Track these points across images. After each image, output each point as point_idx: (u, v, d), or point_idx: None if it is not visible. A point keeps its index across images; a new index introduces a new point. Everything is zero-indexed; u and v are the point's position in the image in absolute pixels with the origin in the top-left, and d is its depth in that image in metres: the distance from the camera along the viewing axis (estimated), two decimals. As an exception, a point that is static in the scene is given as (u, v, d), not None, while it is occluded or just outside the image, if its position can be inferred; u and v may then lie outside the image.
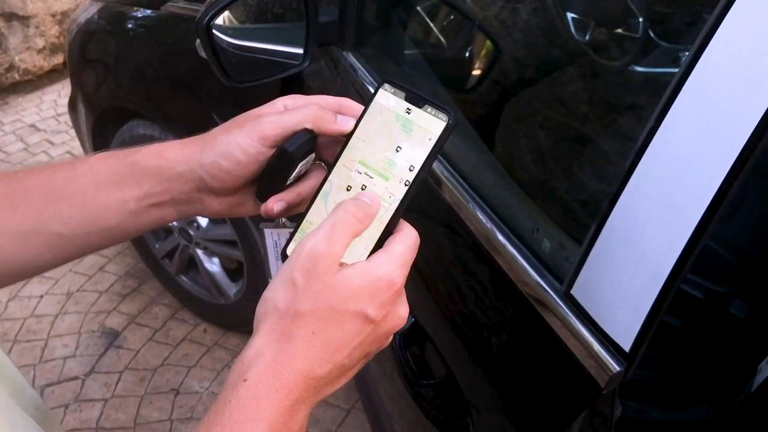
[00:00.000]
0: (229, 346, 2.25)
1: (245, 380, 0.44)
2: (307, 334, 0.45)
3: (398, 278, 0.47)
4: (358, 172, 0.52)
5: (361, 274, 0.47)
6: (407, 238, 0.49)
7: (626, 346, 0.59)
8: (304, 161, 0.55)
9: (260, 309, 0.48)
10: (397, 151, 0.52)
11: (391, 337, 0.51)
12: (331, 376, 0.47)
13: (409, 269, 0.49)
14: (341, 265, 0.47)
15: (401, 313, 0.50)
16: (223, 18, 1.12)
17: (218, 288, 2.16)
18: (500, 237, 0.78)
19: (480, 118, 1.23)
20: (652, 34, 1.44)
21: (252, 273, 1.97)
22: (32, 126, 3.52)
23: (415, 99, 0.52)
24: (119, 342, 2.26)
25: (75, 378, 2.13)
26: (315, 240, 0.47)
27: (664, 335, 1.04)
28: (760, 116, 0.45)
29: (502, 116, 1.18)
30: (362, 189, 0.52)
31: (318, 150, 0.57)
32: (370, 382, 1.30)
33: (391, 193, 0.51)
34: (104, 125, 2.12)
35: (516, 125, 1.18)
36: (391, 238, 0.49)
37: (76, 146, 3.18)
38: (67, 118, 2.50)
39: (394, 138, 0.52)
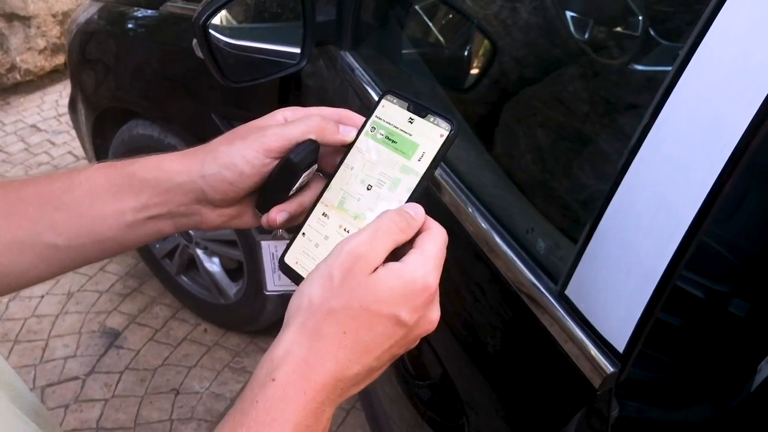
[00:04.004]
0: (229, 346, 2.25)
1: (273, 380, 0.43)
2: (338, 333, 0.45)
3: (433, 281, 0.47)
4: (359, 181, 0.53)
5: (396, 276, 0.46)
6: (438, 238, 0.49)
7: (620, 347, 0.58)
8: (307, 172, 0.56)
9: (294, 302, 0.47)
10: (399, 160, 0.52)
11: (419, 340, 0.50)
12: (357, 378, 0.46)
13: (441, 271, 0.48)
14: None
15: (433, 317, 0.49)
16: (220, 17, 1.12)
17: (218, 288, 2.16)
18: (496, 237, 0.78)
19: (478, 118, 1.23)
20: (652, 33, 1.43)
21: (252, 273, 1.97)
22: (33, 126, 3.52)
23: (418, 109, 0.52)
24: (120, 342, 2.26)
25: (75, 378, 2.13)
26: (358, 241, 0.46)
27: (664, 334, 1.04)
28: (752, 115, 0.45)
29: (500, 116, 1.18)
30: (362, 198, 0.52)
31: (318, 160, 0.57)
32: (369, 383, 1.29)
33: (393, 201, 0.51)
34: (104, 125, 2.12)
35: (515, 125, 1.18)
36: (421, 238, 0.49)
37: (77, 146, 3.18)
38: (68, 118, 2.50)
39: (396, 147, 0.52)
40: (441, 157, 0.51)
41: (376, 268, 0.46)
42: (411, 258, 0.47)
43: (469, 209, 0.83)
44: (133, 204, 0.55)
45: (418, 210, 0.49)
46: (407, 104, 0.53)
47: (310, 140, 0.54)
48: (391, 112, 0.53)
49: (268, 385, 0.43)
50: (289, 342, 0.45)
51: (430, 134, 0.51)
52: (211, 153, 0.55)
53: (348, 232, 0.52)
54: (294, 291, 0.49)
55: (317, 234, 0.53)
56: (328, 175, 0.55)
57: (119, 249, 0.58)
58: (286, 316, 0.47)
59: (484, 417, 0.81)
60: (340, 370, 0.45)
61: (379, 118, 0.54)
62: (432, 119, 0.51)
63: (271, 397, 0.43)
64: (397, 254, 0.49)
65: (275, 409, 0.42)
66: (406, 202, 0.50)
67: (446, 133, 0.50)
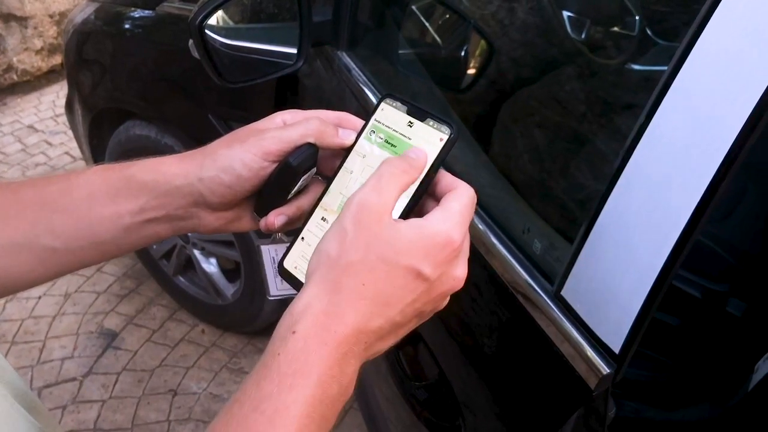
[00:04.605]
0: (226, 346, 2.25)
1: (294, 332, 0.43)
2: (357, 285, 0.44)
3: (457, 236, 0.46)
4: (359, 185, 0.52)
5: (415, 229, 0.46)
6: (463, 196, 0.48)
7: (616, 347, 0.58)
8: (306, 175, 0.55)
9: (313, 260, 0.47)
10: None
11: (448, 299, 0.50)
12: (381, 331, 0.46)
13: (467, 227, 0.48)
14: (394, 219, 0.47)
15: (458, 273, 0.48)
16: (216, 18, 1.12)
17: (216, 288, 2.16)
18: (492, 238, 0.78)
19: (475, 118, 1.23)
20: (649, 32, 1.43)
21: (249, 273, 1.97)
22: (30, 127, 3.51)
23: (417, 112, 0.52)
24: (117, 343, 2.26)
25: (73, 379, 2.13)
26: (364, 191, 0.47)
27: (662, 334, 1.04)
28: (747, 115, 0.45)
29: (497, 116, 1.18)
30: None
31: (317, 164, 0.57)
32: (366, 383, 1.29)
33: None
34: (101, 126, 2.12)
35: (512, 125, 1.18)
36: (446, 197, 0.48)
37: (74, 147, 3.17)
38: (65, 119, 2.50)
39: (395, 152, 0.52)
40: (441, 162, 0.50)
41: (396, 219, 0.46)
42: (433, 214, 0.47)
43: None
44: (131, 207, 0.55)
45: (418, 152, 0.49)
46: (407, 108, 0.53)
47: (309, 144, 0.54)
48: (390, 115, 0.53)
49: (289, 338, 0.43)
50: (309, 296, 0.45)
51: (430, 138, 0.51)
52: (209, 156, 0.55)
53: None
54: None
55: (316, 238, 0.53)
56: (327, 179, 0.55)
57: (117, 252, 0.58)
58: (306, 276, 0.47)
59: (480, 418, 0.81)
60: (361, 321, 0.44)
61: (379, 122, 0.54)
62: (431, 123, 0.51)
63: (293, 349, 0.43)
64: (421, 212, 0.48)
65: (297, 361, 0.42)
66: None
67: (446, 137, 0.50)
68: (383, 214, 0.46)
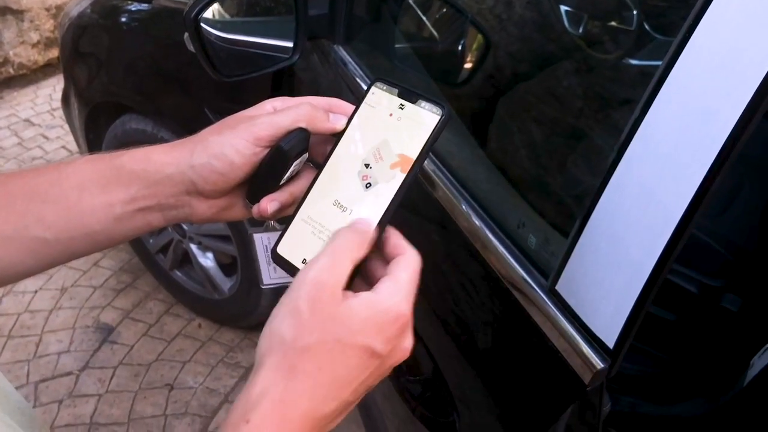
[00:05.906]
0: (223, 341, 2.25)
1: (248, 422, 0.42)
2: (314, 369, 0.44)
3: (406, 310, 0.46)
4: (350, 169, 0.52)
5: (368, 305, 0.45)
6: (411, 264, 0.48)
7: (610, 342, 0.58)
8: (297, 161, 0.55)
9: (265, 341, 0.46)
10: (390, 147, 0.51)
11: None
12: (334, 414, 0.45)
13: (413, 297, 0.47)
14: (344, 292, 0.46)
15: (406, 345, 0.48)
16: (212, 11, 1.11)
17: (212, 283, 2.15)
18: (488, 233, 0.77)
19: (471, 113, 1.23)
20: (647, 27, 1.43)
21: (246, 268, 1.96)
22: (27, 120, 3.50)
23: (408, 95, 0.52)
24: (113, 337, 2.25)
25: (69, 373, 2.13)
26: (318, 267, 0.46)
27: (657, 329, 1.04)
28: (742, 109, 0.44)
29: (494, 111, 1.17)
30: (354, 186, 0.52)
31: (308, 150, 0.56)
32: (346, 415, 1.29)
33: (384, 189, 0.51)
34: (97, 120, 2.11)
35: (509, 120, 1.17)
36: (395, 263, 0.48)
37: (70, 141, 3.17)
38: (62, 112, 2.49)
39: (386, 134, 0.52)
40: (433, 142, 0.50)
41: (346, 293, 0.46)
42: (383, 286, 0.46)
43: (462, 205, 0.83)
44: (122, 196, 0.54)
45: (369, 221, 0.49)
46: (397, 90, 0.52)
47: (300, 129, 0.54)
48: (381, 99, 0.53)
49: (242, 427, 0.42)
50: (264, 382, 0.44)
51: (422, 119, 0.51)
52: (200, 143, 0.54)
53: (340, 219, 0.52)
54: (290, 283, 0.48)
55: (309, 224, 0.53)
56: (319, 165, 0.55)
57: (108, 242, 0.57)
58: (257, 356, 0.46)
59: (475, 412, 0.81)
60: (317, 408, 0.44)
61: (369, 106, 0.53)
62: (423, 104, 0.51)
63: None
64: (365, 275, 0.48)
65: None
66: (398, 188, 0.50)
67: (438, 118, 0.50)
68: (336, 292, 0.45)
